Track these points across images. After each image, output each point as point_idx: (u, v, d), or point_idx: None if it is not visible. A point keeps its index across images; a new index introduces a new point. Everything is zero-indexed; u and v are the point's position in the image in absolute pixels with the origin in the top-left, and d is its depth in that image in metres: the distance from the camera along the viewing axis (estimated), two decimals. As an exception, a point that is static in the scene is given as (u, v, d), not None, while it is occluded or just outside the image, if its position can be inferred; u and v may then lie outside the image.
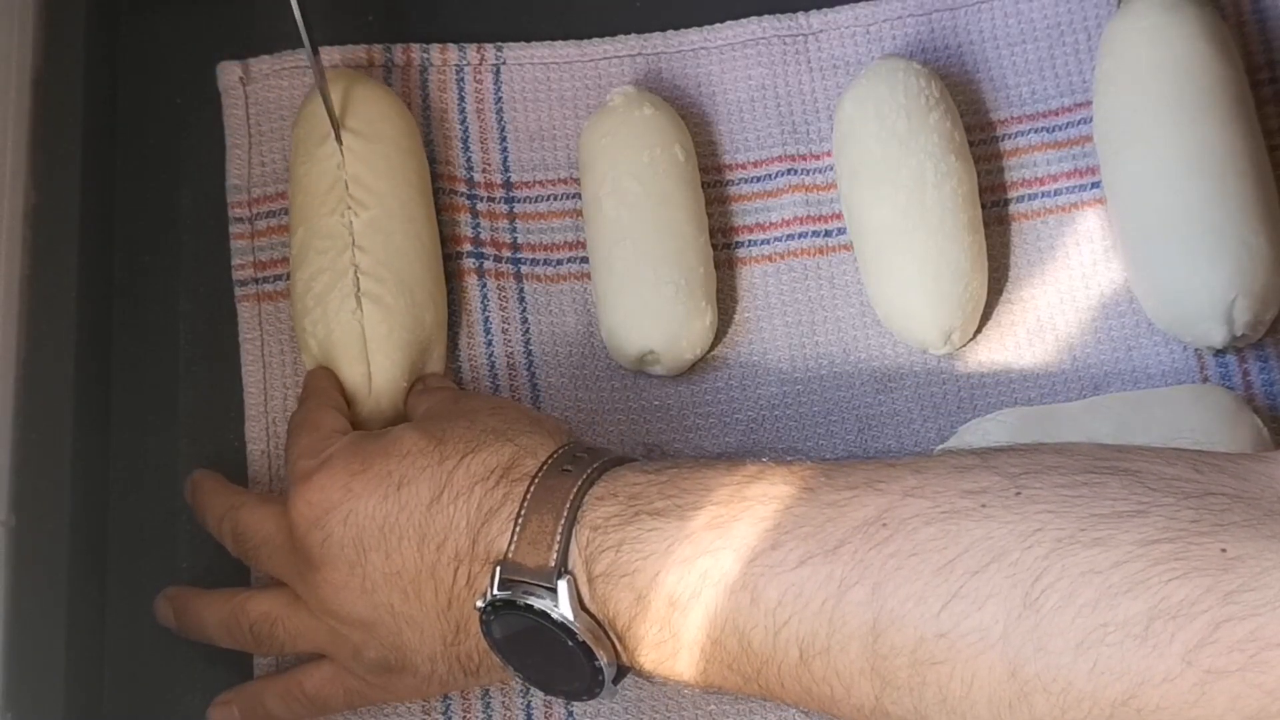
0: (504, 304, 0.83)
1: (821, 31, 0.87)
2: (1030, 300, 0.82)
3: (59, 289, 0.80)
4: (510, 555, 0.66)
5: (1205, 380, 0.80)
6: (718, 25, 0.88)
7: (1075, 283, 0.82)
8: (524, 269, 0.84)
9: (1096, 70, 0.83)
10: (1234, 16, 0.86)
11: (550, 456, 0.68)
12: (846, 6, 0.88)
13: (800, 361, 0.82)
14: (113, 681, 0.78)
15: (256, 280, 0.84)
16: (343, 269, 0.78)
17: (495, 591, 0.66)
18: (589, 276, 0.83)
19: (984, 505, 0.57)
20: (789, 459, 0.66)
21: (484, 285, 0.84)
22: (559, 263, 0.84)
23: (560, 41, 0.88)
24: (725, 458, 0.68)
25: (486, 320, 0.83)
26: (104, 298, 0.84)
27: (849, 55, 0.87)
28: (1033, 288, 0.82)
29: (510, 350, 0.82)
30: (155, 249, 0.85)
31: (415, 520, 0.68)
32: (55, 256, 0.81)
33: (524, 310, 0.83)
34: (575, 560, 0.65)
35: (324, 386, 0.77)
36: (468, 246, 0.84)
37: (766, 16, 0.88)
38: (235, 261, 0.84)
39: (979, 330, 0.81)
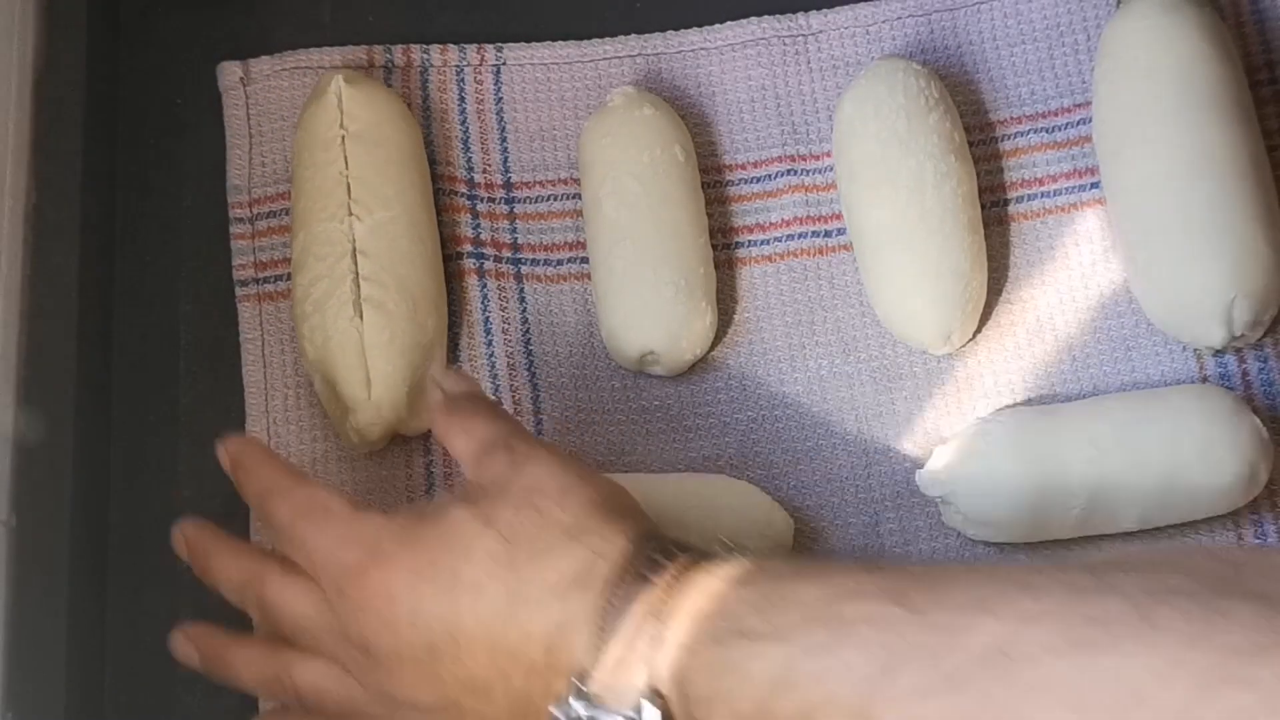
0: (504, 304, 0.83)
1: (821, 32, 0.87)
2: (1030, 300, 0.82)
3: (59, 289, 0.81)
4: (593, 673, 0.61)
5: (1205, 380, 0.80)
6: (718, 25, 0.88)
7: (1075, 283, 0.82)
8: (524, 269, 0.84)
9: (1096, 70, 0.83)
10: (1233, 17, 0.86)
11: (624, 560, 0.63)
12: (846, 7, 0.88)
13: (800, 361, 0.82)
14: (113, 681, 0.78)
15: (257, 280, 0.84)
16: (341, 275, 0.78)
17: (575, 706, 0.62)
18: (589, 277, 0.83)
19: (1113, 636, 0.53)
20: (875, 562, 0.62)
21: (484, 285, 0.84)
22: (559, 263, 0.84)
23: (560, 41, 0.88)
24: (812, 560, 0.66)
25: (487, 320, 0.83)
26: (104, 298, 0.84)
27: (849, 55, 0.87)
28: (1033, 288, 0.82)
29: (510, 350, 0.82)
30: (155, 249, 0.85)
31: (486, 628, 0.63)
32: (55, 256, 0.81)
33: (524, 310, 0.83)
34: (663, 680, 0.60)
35: (272, 459, 0.71)
36: (468, 247, 0.84)
37: (766, 17, 0.88)
38: (236, 261, 0.84)
39: (979, 330, 0.81)
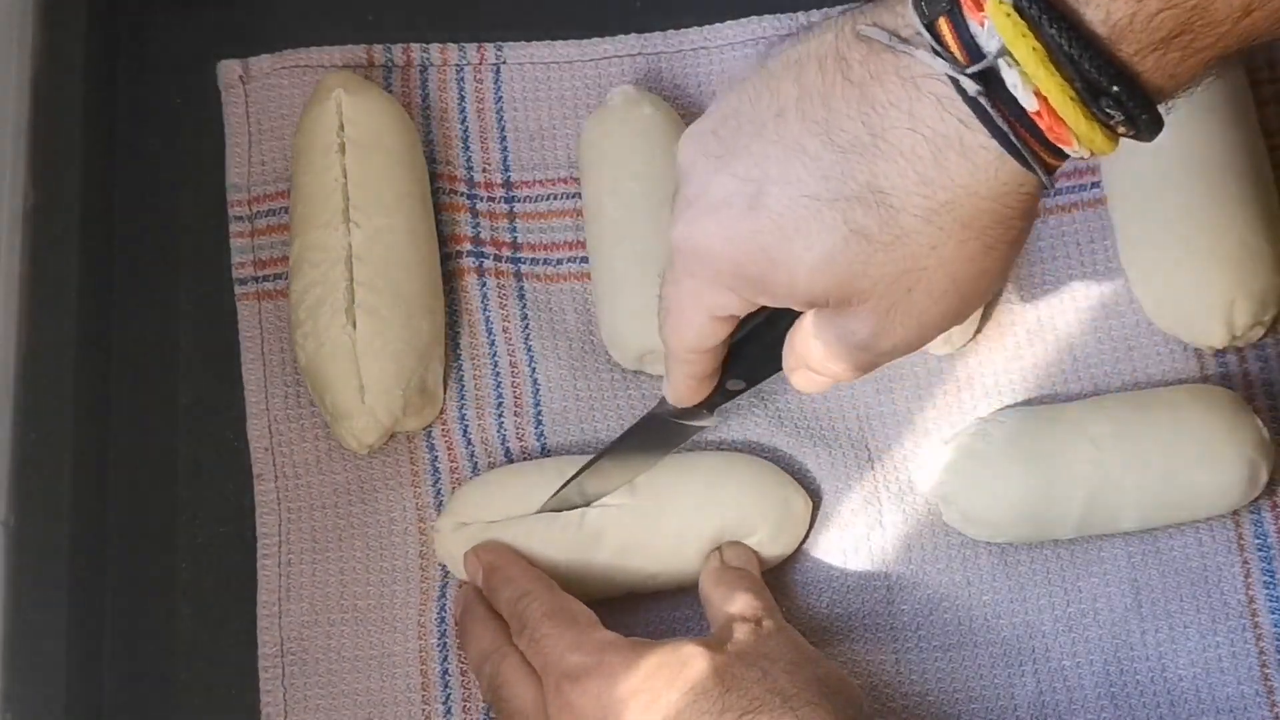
0: (504, 303, 0.83)
1: (821, 31, 0.87)
2: (1030, 300, 0.82)
3: (59, 289, 0.81)
4: None
5: (1205, 380, 0.80)
6: (718, 25, 0.88)
7: (1075, 282, 0.82)
8: (524, 268, 0.84)
9: (1096, 70, 0.82)
10: (1234, 16, 0.86)
11: None
12: (846, 7, 0.87)
13: (800, 361, 0.82)
14: (112, 681, 0.78)
15: (256, 279, 0.84)
16: (334, 282, 0.78)
17: None
18: (589, 276, 0.83)
19: None
20: None
21: (484, 285, 0.84)
22: (559, 262, 0.84)
23: (560, 41, 0.88)
24: None
25: (487, 320, 0.83)
26: (103, 298, 0.84)
27: (849, 55, 0.87)
28: (1033, 287, 0.82)
29: (511, 349, 0.82)
30: (155, 249, 0.85)
31: None
32: (55, 256, 0.81)
33: (524, 309, 0.83)
34: None
35: (526, 565, 0.75)
36: (468, 246, 0.84)
37: (766, 16, 0.87)
38: (235, 260, 0.84)
39: (979, 330, 0.81)
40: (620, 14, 0.89)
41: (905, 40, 0.54)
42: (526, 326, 0.83)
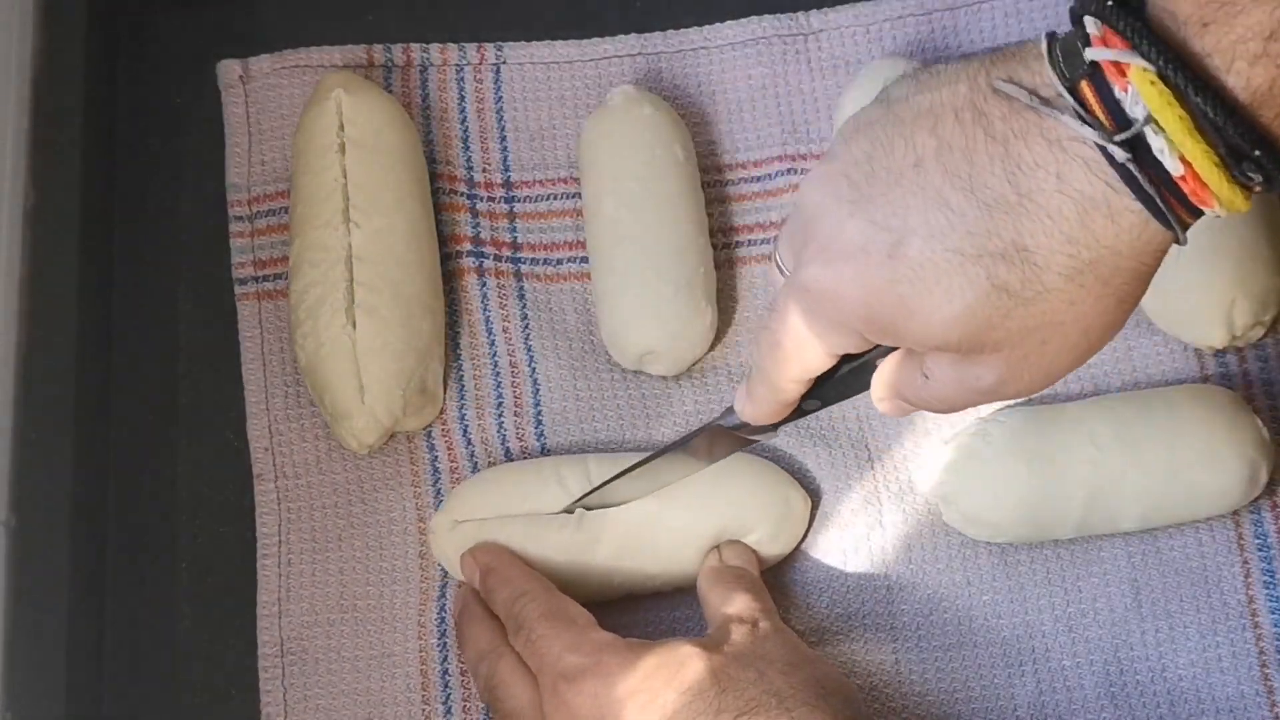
0: (504, 303, 0.83)
1: (821, 31, 0.87)
2: (1030, 300, 0.82)
3: (59, 289, 0.81)
4: None
5: (1205, 380, 0.80)
6: (718, 25, 0.88)
7: (1076, 282, 0.82)
8: (524, 268, 0.84)
9: (1097, 70, 0.83)
10: (1234, 16, 0.86)
11: None
12: (846, 6, 0.88)
13: (800, 361, 0.82)
14: (112, 681, 0.78)
15: (256, 279, 0.84)
16: (334, 282, 0.78)
17: None
18: (589, 276, 0.83)
19: None
20: None
21: (484, 284, 0.84)
22: (559, 262, 0.84)
23: (560, 41, 0.88)
24: None
25: (487, 320, 0.83)
26: (104, 298, 0.84)
27: (849, 55, 0.87)
28: (1033, 287, 0.82)
29: (511, 349, 0.82)
30: (155, 248, 0.85)
31: None
32: (55, 256, 0.81)
33: (524, 309, 0.83)
34: None
35: (524, 566, 0.76)
36: (468, 246, 0.84)
37: (766, 16, 0.87)
38: (235, 260, 0.84)
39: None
40: (620, 14, 0.89)
41: (1046, 101, 0.55)
42: (526, 326, 0.83)
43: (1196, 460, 0.75)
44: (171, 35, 0.89)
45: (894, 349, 0.63)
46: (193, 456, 0.81)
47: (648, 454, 0.76)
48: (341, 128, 0.81)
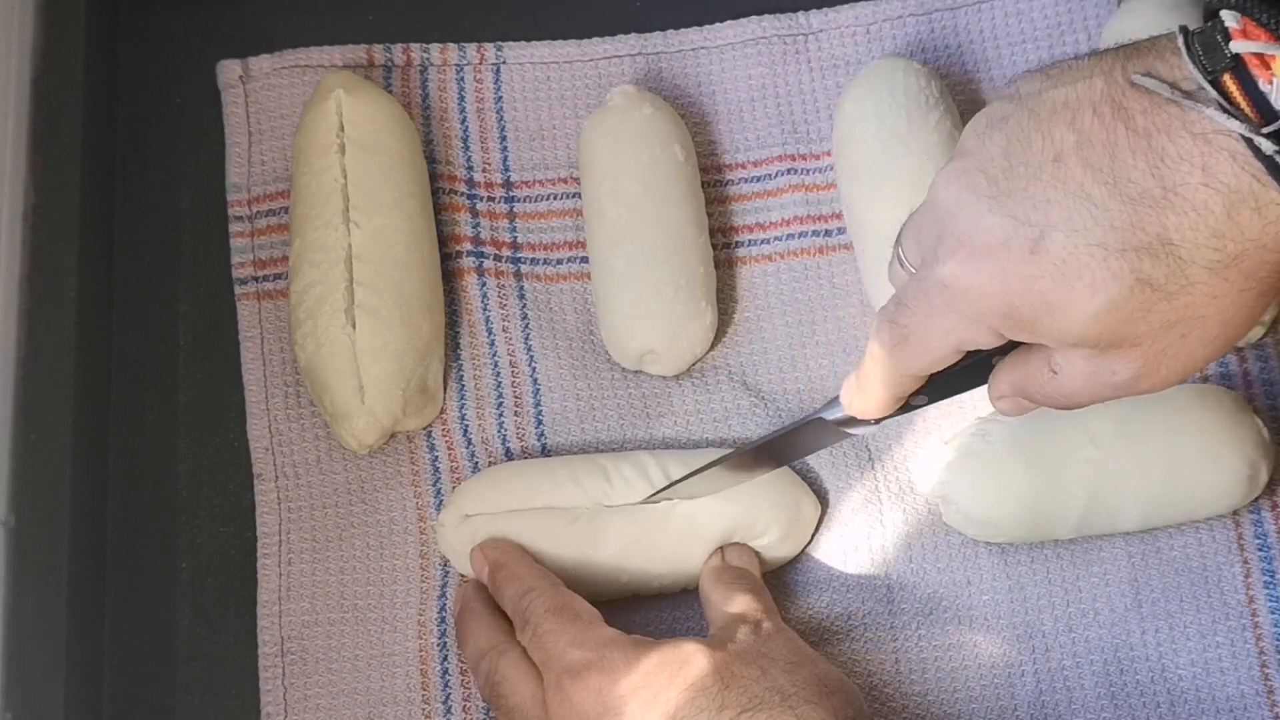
0: (504, 303, 0.83)
1: (821, 31, 0.87)
2: (1030, 300, 0.82)
3: (59, 289, 0.81)
4: None
5: (1206, 380, 0.80)
6: (718, 25, 0.88)
7: (1076, 282, 0.82)
8: (524, 268, 0.84)
9: (1097, 70, 0.83)
10: (1234, 16, 0.86)
11: None
12: (846, 6, 0.88)
13: (800, 361, 0.82)
14: (113, 681, 0.78)
15: (256, 279, 0.84)
16: (334, 282, 0.78)
17: None
18: (589, 276, 0.83)
19: None
20: None
21: (484, 284, 0.84)
22: (559, 262, 0.84)
23: (560, 41, 0.88)
24: None
25: (487, 319, 0.83)
26: (104, 298, 0.84)
27: (849, 55, 0.87)
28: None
29: (511, 349, 0.82)
30: (155, 248, 0.85)
31: None
32: (55, 256, 0.81)
33: (524, 309, 0.83)
34: None
35: (532, 561, 0.76)
36: (468, 245, 0.84)
37: (766, 16, 0.87)
38: (235, 260, 0.84)
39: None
40: (620, 14, 0.89)
41: (1188, 94, 0.55)
42: (526, 326, 0.83)
43: (1196, 460, 0.75)
44: (171, 35, 0.89)
45: (1012, 346, 0.62)
46: (193, 456, 0.81)
47: (726, 451, 0.76)
48: (341, 128, 0.81)
